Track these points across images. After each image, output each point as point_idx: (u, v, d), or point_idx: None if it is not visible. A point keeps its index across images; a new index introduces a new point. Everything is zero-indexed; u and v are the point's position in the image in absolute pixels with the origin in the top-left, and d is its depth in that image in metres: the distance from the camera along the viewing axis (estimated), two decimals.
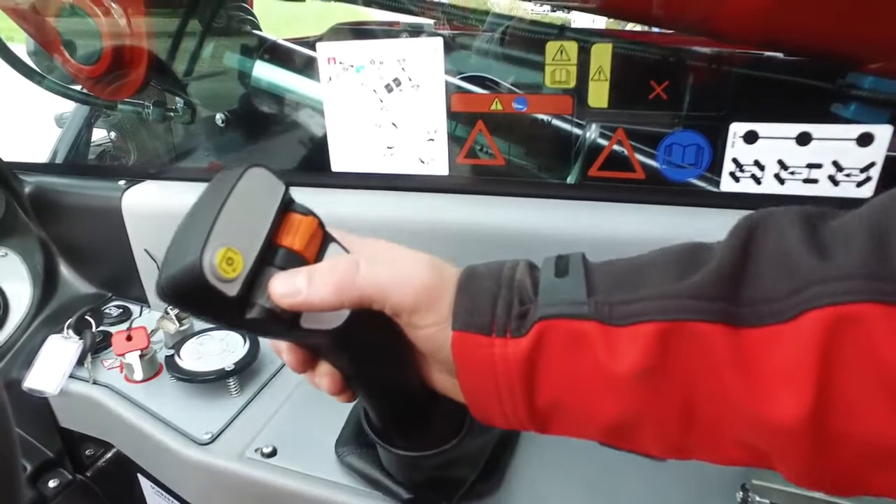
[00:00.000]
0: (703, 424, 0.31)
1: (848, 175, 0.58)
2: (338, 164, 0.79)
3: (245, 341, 0.81)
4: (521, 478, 0.60)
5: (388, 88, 0.72)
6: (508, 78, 0.77)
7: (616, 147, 0.67)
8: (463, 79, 0.78)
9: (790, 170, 0.60)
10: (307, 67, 0.96)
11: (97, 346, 0.87)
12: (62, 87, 0.99)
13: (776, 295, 0.28)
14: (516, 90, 0.74)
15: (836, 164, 0.58)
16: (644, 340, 0.30)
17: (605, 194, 0.69)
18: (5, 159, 0.97)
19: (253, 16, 1.08)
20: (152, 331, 0.87)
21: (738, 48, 0.66)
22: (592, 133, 0.70)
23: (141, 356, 0.81)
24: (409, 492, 0.55)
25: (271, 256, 0.32)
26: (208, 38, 0.99)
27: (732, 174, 0.62)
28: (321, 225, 0.35)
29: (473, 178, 0.76)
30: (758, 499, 0.53)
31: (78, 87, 0.99)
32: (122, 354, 0.80)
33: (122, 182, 0.93)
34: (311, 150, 1.00)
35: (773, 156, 0.60)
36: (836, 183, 0.59)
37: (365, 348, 0.37)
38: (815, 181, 0.60)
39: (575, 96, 0.66)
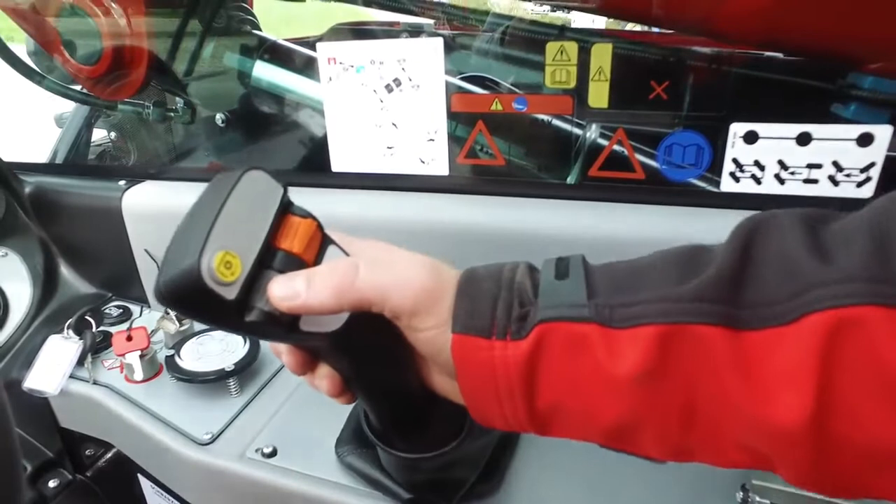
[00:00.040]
0: (703, 427, 0.31)
1: (848, 175, 0.58)
2: (338, 164, 0.79)
3: (245, 342, 0.81)
4: (521, 479, 0.60)
5: (389, 88, 0.72)
6: (508, 78, 0.77)
7: (616, 147, 0.67)
8: (463, 79, 0.78)
9: (790, 170, 0.60)
10: (307, 67, 0.96)
11: (97, 347, 0.87)
12: (62, 87, 0.99)
13: (777, 297, 0.28)
14: (516, 90, 0.74)
15: (836, 164, 0.58)
16: (644, 343, 0.30)
17: (606, 194, 0.69)
18: (5, 159, 0.97)
19: (253, 16, 1.08)
20: (152, 331, 0.87)
21: (738, 48, 0.66)
22: (592, 133, 0.70)
23: (141, 356, 0.81)
24: (410, 492, 0.55)
25: (270, 259, 0.32)
26: (208, 38, 0.99)
27: (732, 174, 0.62)
28: (320, 227, 0.35)
29: (474, 178, 0.76)
30: (758, 499, 0.53)
31: (78, 87, 0.99)
32: (123, 354, 0.80)
33: (122, 182, 0.93)
34: (311, 150, 1.00)
35: (773, 156, 0.60)
36: (836, 183, 0.59)
37: (364, 351, 0.37)
38: (815, 181, 0.60)
39: (575, 96, 0.66)
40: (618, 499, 0.57)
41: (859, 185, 0.58)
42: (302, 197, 0.35)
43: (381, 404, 0.43)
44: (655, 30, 0.82)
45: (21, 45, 1.05)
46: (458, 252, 0.69)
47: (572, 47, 0.64)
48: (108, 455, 0.93)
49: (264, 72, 1.00)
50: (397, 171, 0.76)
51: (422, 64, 0.70)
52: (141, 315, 0.97)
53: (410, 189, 0.77)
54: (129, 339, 0.82)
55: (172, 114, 1.00)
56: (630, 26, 0.87)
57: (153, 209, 0.90)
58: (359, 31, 0.94)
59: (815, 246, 0.29)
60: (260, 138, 1.11)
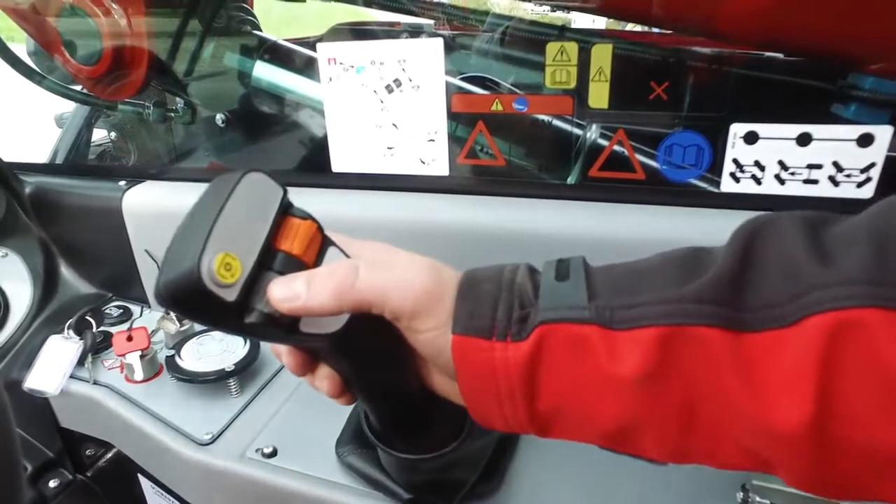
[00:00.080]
0: (703, 429, 0.31)
1: (848, 176, 0.58)
2: (338, 164, 0.79)
3: (245, 342, 0.81)
4: (521, 480, 0.60)
5: (389, 89, 0.72)
6: (509, 78, 0.77)
7: (616, 147, 0.67)
8: (463, 79, 0.78)
9: (790, 170, 0.60)
10: (307, 68, 0.96)
11: (98, 347, 0.87)
12: (62, 88, 0.99)
13: (778, 300, 0.28)
14: (517, 91, 0.74)
15: (836, 164, 0.58)
16: (645, 345, 0.30)
17: (606, 195, 0.69)
18: (5, 159, 0.97)
19: (253, 16, 1.08)
20: (153, 331, 0.87)
21: (738, 48, 0.66)
22: (593, 133, 0.70)
23: (141, 356, 0.81)
24: (410, 493, 0.55)
25: (270, 261, 0.32)
26: (208, 39, 0.99)
27: (733, 175, 0.62)
28: (320, 229, 0.35)
29: (474, 178, 0.76)
30: (758, 499, 0.53)
31: (78, 88, 0.99)
32: (123, 355, 0.81)
33: (122, 182, 0.93)
34: (311, 150, 1.00)
35: (773, 156, 0.60)
36: (836, 183, 0.59)
37: (364, 352, 0.37)
38: (815, 182, 0.60)
39: (575, 97, 0.66)
40: (617, 499, 0.57)
41: (859, 185, 0.58)
42: (302, 197, 0.35)
43: (381, 405, 0.43)
44: (655, 30, 0.82)
45: (21, 45, 1.05)
46: (459, 252, 0.69)
47: (572, 48, 0.64)
48: (109, 455, 0.93)
49: (264, 72, 1.00)
50: (397, 172, 0.76)
51: (422, 64, 0.70)
52: (141, 315, 0.97)
53: (411, 189, 0.77)
54: (130, 339, 0.82)
55: (173, 114, 1.00)
56: (630, 26, 0.87)
57: (153, 209, 0.90)
58: (359, 32, 0.94)
59: (816, 248, 0.29)
60: (260, 139, 1.11)
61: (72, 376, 0.84)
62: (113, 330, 0.89)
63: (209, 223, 0.30)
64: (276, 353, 0.41)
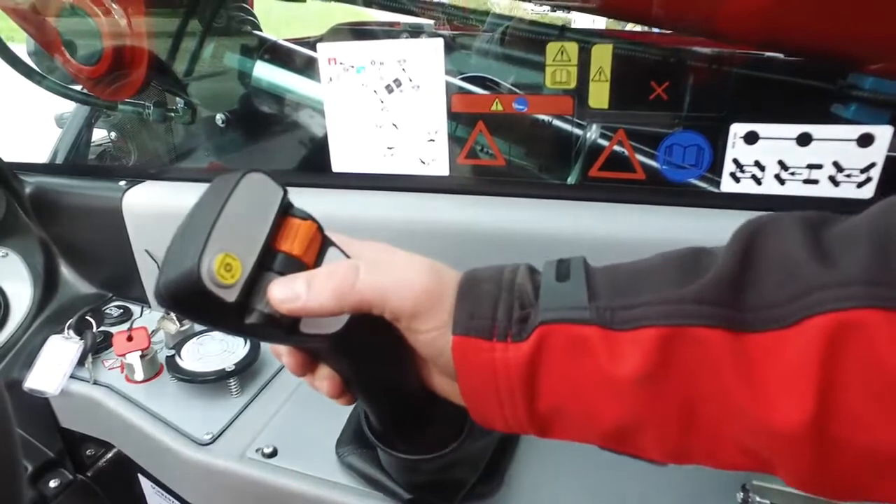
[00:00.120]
0: (704, 429, 0.31)
1: (848, 176, 0.58)
2: (338, 164, 0.79)
3: (245, 342, 0.81)
4: (521, 480, 0.60)
5: (389, 89, 0.72)
6: (509, 78, 0.77)
7: (616, 147, 0.67)
8: (463, 79, 0.78)
9: (790, 170, 0.60)
10: (308, 68, 0.96)
11: (98, 347, 0.87)
12: (62, 88, 0.99)
13: (778, 300, 0.28)
14: (517, 91, 0.74)
15: (836, 164, 0.58)
16: (645, 345, 0.30)
17: (606, 195, 0.69)
18: (5, 159, 0.97)
19: (253, 16, 1.08)
20: (153, 331, 0.87)
21: (738, 48, 0.66)
22: (593, 133, 0.70)
23: (142, 356, 0.81)
24: (410, 493, 0.55)
25: (270, 261, 0.32)
26: (209, 39, 0.99)
27: (733, 175, 0.62)
28: (320, 229, 0.35)
29: (474, 178, 0.76)
30: (758, 499, 0.53)
31: (78, 88, 0.99)
32: (123, 355, 0.81)
33: (122, 182, 0.93)
34: (311, 150, 1.00)
35: (773, 156, 0.60)
36: (836, 183, 0.59)
37: (364, 353, 0.37)
38: (815, 182, 0.60)
39: (575, 97, 0.66)
40: (618, 500, 0.57)
41: (860, 185, 0.58)
42: (302, 197, 0.35)
43: (381, 405, 0.43)
44: (655, 30, 0.82)
45: (21, 45, 1.05)
46: (459, 252, 0.69)
47: (573, 48, 0.64)
48: (109, 455, 0.93)
49: (264, 72, 1.00)
50: (398, 172, 0.76)
51: (422, 64, 0.70)
52: (141, 315, 0.97)
53: (411, 189, 0.77)
54: (130, 339, 0.82)
55: (173, 114, 1.00)
56: (630, 26, 0.87)
57: (153, 209, 0.90)
58: (359, 32, 0.94)
59: (816, 249, 0.29)
60: (260, 139, 1.11)
61: (72, 376, 0.84)
62: (113, 330, 0.89)
63: (209, 223, 0.30)
64: (276, 354, 0.41)
